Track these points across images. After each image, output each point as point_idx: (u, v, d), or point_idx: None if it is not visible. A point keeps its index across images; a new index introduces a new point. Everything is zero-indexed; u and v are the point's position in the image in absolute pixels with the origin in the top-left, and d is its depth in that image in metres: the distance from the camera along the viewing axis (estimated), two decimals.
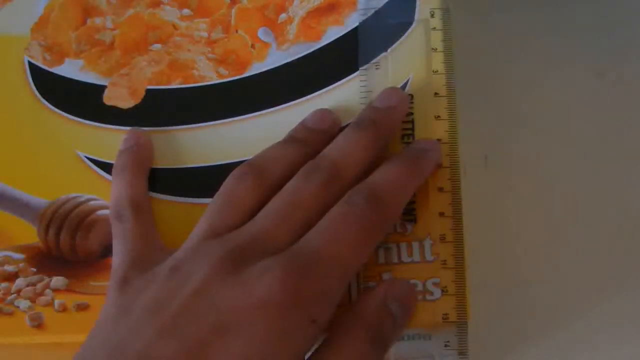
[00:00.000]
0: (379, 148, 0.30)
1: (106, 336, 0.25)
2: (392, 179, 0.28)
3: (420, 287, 0.29)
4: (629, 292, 0.37)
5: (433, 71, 0.32)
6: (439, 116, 0.31)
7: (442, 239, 0.29)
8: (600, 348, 0.37)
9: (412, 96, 0.32)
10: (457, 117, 0.31)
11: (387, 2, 0.33)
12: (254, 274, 0.25)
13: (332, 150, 0.29)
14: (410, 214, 0.30)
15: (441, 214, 0.30)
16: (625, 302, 0.37)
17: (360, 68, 0.33)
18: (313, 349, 0.26)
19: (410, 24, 0.33)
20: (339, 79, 0.33)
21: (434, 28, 0.32)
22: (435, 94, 0.31)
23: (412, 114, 0.31)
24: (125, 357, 0.24)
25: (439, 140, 0.31)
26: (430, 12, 0.33)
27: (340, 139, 0.29)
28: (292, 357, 0.24)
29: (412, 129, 0.31)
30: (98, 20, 0.36)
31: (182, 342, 0.24)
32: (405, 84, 0.32)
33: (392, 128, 0.31)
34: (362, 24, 0.33)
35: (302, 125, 0.32)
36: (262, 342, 0.24)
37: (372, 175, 0.28)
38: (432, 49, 0.32)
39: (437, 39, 0.32)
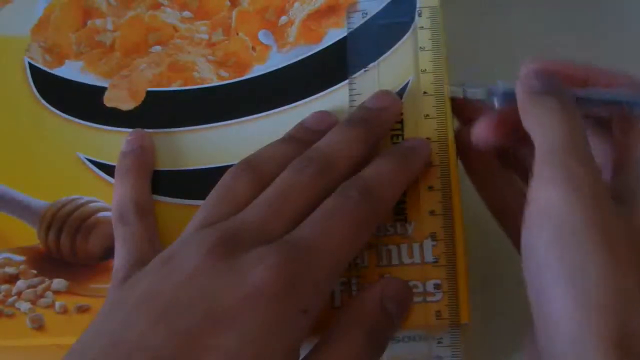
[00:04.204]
0: (370, 145, 0.30)
1: (99, 329, 0.25)
2: (384, 173, 0.28)
3: (420, 289, 0.29)
4: None
5: (421, 70, 0.32)
6: (428, 115, 0.31)
7: (433, 237, 0.29)
8: None
9: (401, 96, 0.32)
10: (447, 116, 0.31)
11: (377, 5, 0.34)
12: (247, 262, 0.25)
13: (323, 143, 0.29)
14: (401, 213, 0.30)
15: (431, 213, 0.30)
16: None
17: (349, 76, 0.33)
18: (308, 347, 0.26)
19: (399, 24, 0.33)
20: (340, 81, 0.33)
21: (422, 27, 0.33)
22: (424, 92, 0.32)
23: (401, 113, 0.32)
24: (118, 348, 0.24)
25: (428, 139, 0.31)
26: (418, 11, 0.33)
27: (331, 134, 0.30)
28: (284, 347, 0.24)
29: (402, 128, 0.32)
30: (98, 22, 0.36)
31: (174, 332, 0.24)
32: (405, 86, 0.32)
33: (383, 128, 0.31)
34: (351, 31, 0.34)
35: (301, 125, 0.32)
36: (255, 331, 0.24)
37: (363, 170, 0.29)
38: (420, 47, 0.32)
39: (424, 37, 0.32)
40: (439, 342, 0.29)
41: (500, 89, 0.29)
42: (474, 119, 0.31)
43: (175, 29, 0.36)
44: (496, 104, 0.30)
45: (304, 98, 0.33)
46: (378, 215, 0.28)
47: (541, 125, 0.27)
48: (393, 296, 0.28)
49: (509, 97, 0.29)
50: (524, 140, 0.28)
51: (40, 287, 0.32)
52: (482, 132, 0.30)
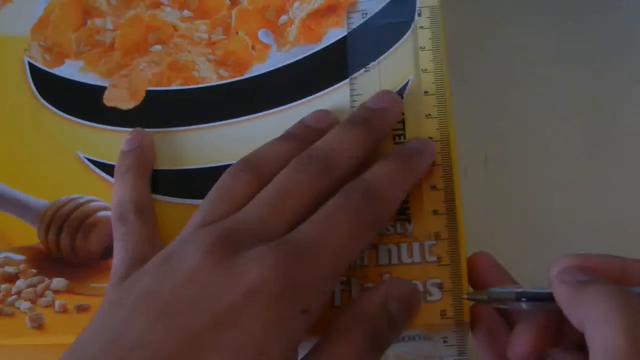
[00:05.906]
0: (370, 145, 0.30)
1: (99, 327, 0.25)
2: (387, 176, 0.28)
3: (420, 288, 0.29)
4: None
5: (422, 70, 0.32)
6: (429, 114, 0.31)
7: (437, 236, 0.29)
8: None
9: (401, 95, 0.32)
10: (449, 115, 0.31)
11: (377, 5, 0.34)
12: (247, 261, 0.25)
13: (323, 143, 0.29)
14: (404, 213, 0.30)
15: (435, 212, 0.30)
16: None
17: (349, 76, 0.33)
18: (308, 347, 0.26)
19: (399, 24, 0.33)
20: (339, 81, 0.33)
21: (422, 27, 0.33)
22: (425, 92, 0.32)
23: (402, 113, 0.32)
24: (118, 347, 0.24)
25: (430, 138, 0.31)
26: (417, 11, 0.33)
27: (331, 134, 0.30)
28: (283, 347, 0.24)
29: (403, 128, 0.32)
30: (98, 21, 0.36)
31: (174, 330, 0.24)
32: (405, 86, 0.32)
33: (384, 128, 0.31)
34: (351, 31, 0.34)
35: (301, 123, 0.32)
36: (253, 330, 0.24)
37: (367, 171, 0.28)
38: (420, 47, 0.32)
39: (425, 37, 0.32)
40: (444, 341, 0.29)
41: (529, 292, 0.27)
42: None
43: (175, 28, 0.36)
44: (525, 306, 0.27)
45: (303, 97, 0.33)
46: (381, 217, 0.28)
47: (596, 320, 0.24)
48: (398, 298, 0.27)
49: (538, 300, 0.27)
50: (557, 341, 0.27)
51: (40, 287, 0.32)
52: (521, 348, 0.27)
